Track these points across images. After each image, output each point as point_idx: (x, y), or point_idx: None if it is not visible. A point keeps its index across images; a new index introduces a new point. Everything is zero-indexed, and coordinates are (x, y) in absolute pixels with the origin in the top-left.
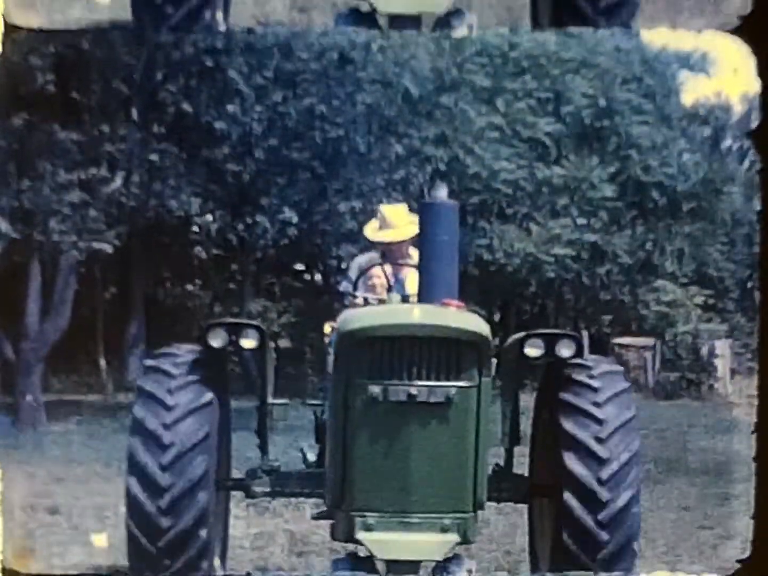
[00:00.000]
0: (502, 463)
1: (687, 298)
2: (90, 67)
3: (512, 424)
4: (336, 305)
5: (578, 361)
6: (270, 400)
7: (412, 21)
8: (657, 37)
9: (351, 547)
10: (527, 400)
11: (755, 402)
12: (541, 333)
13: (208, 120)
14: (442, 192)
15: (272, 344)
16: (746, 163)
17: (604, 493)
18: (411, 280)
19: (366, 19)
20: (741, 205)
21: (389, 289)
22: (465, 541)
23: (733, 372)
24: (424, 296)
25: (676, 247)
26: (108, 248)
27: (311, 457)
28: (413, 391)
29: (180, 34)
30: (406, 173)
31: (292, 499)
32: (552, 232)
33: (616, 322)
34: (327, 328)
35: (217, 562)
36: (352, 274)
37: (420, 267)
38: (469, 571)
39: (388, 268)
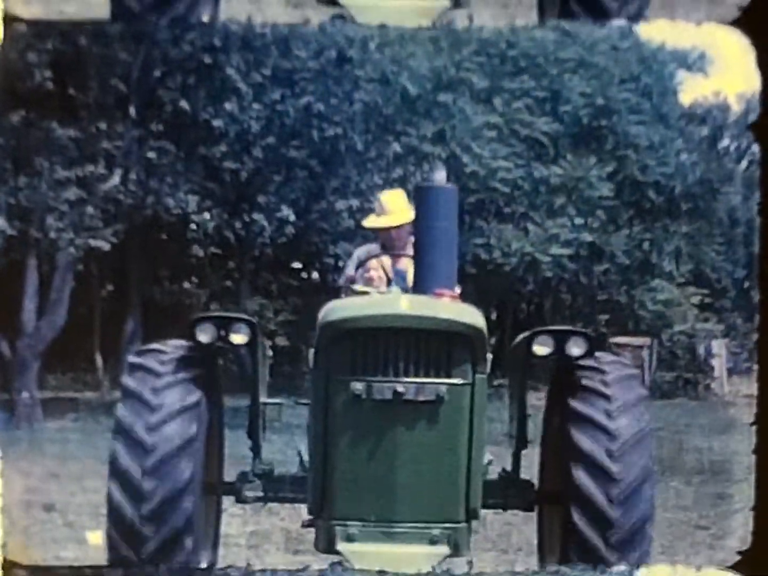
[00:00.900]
0: (507, 467)
1: (684, 298)
2: (88, 64)
3: (519, 427)
4: None
5: (590, 363)
6: (263, 399)
7: None
8: (655, 30)
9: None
10: (541, 399)
11: (753, 399)
12: (550, 330)
13: (205, 118)
14: (440, 175)
15: (268, 342)
16: (744, 163)
17: (613, 513)
18: (410, 269)
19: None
20: (738, 205)
21: (388, 282)
22: (456, 553)
23: (730, 372)
24: (419, 287)
25: (674, 246)
26: (105, 245)
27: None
28: (399, 388)
29: (177, 31)
30: (403, 171)
31: None
32: (549, 232)
33: (612, 321)
34: None
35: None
36: (351, 267)
37: (415, 255)
38: (470, 563)
39: (387, 260)
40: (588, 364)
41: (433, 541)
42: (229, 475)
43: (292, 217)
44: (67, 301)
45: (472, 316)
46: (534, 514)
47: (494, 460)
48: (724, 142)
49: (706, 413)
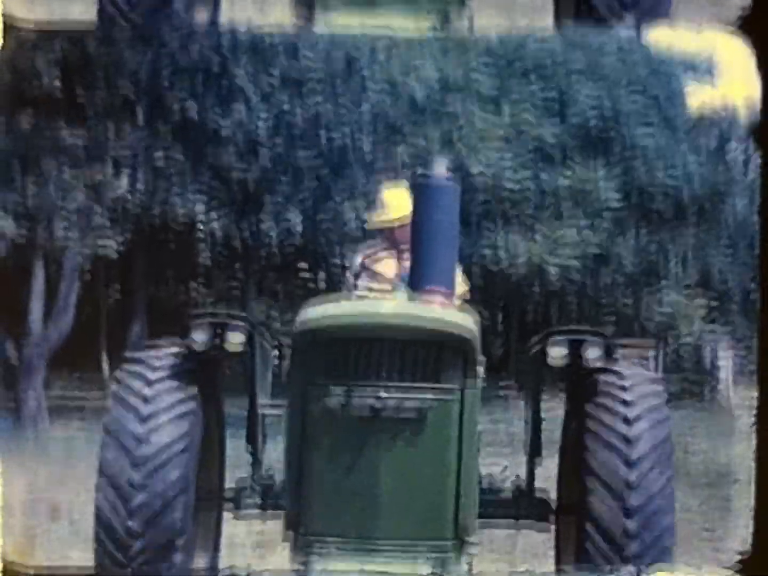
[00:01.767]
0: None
1: (690, 303)
2: (96, 68)
3: (533, 435)
4: None
5: (608, 366)
6: (264, 401)
7: None
8: (663, 37)
9: None
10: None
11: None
12: (564, 330)
13: (213, 122)
14: (440, 167)
15: (273, 341)
16: (751, 170)
17: (631, 526)
18: None
19: None
20: (745, 211)
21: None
22: (444, 571)
23: (736, 376)
24: (415, 285)
25: (680, 252)
26: (112, 249)
27: None
28: (378, 403)
29: (185, 35)
30: (411, 177)
31: None
32: (556, 237)
33: (618, 326)
34: None
35: None
36: (356, 263)
37: (412, 252)
38: (469, 566)
39: (391, 259)
40: (606, 367)
41: (416, 560)
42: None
43: (299, 221)
44: (74, 304)
45: (463, 320)
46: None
47: (508, 466)
48: (732, 148)
49: (711, 417)
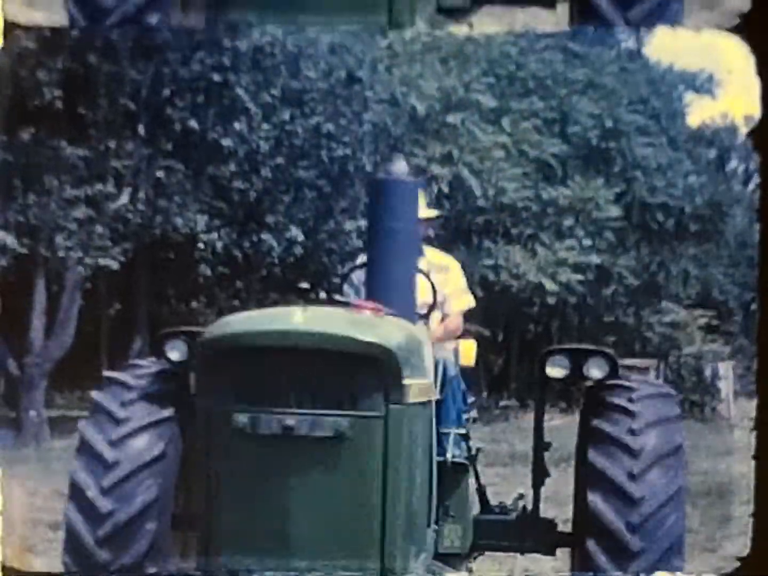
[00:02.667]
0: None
1: (691, 320)
2: (97, 82)
3: (535, 459)
4: None
5: (616, 381)
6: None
7: None
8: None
9: None
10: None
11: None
12: (566, 349)
13: (214, 137)
14: (399, 166)
15: None
16: (751, 185)
17: (634, 542)
18: (422, 283)
19: None
20: (745, 227)
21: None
22: None
23: (736, 394)
24: (371, 297)
25: (681, 268)
26: (113, 264)
27: None
28: (290, 421)
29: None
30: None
31: None
32: (557, 253)
33: (619, 343)
34: None
35: None
36: (354, 277)
37: (368, 260)
38: (469, 570)
39: None
40: (614, 383)
41: None
42: None
43: (301, 237)
44: (75, 319)
45: (387, 334)
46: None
47: (523, 495)
48: (732, 163)
49: (712, 435)
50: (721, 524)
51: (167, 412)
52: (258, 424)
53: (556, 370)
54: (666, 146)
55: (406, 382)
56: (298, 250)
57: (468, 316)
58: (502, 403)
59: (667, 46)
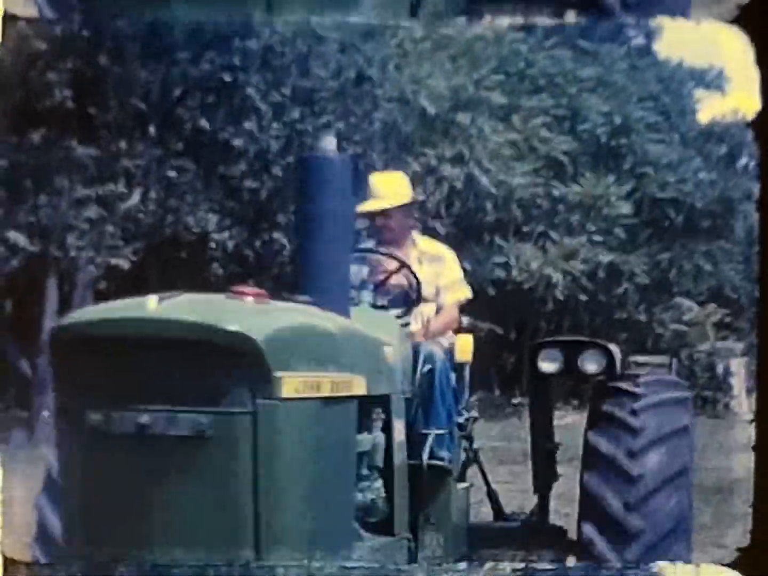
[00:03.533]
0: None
1: (703, 317)
2: (107, 83)
3: (536, 462)
4: None
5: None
6: None
7: None
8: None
9: None
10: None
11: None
12: (559, 341)
13: (225, 137)
14: (328, 143)
15: None
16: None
17: (633, 522)
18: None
19: None
20: (757, 223)
21: (362, 286)
22: None
23: (749, 390)
24: (301, 288)
25: (693, 265)
26: (125, 264)
27: None
28: (144, 419)
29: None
30: (423, 191)
31: None
32: (568, 250)
33: (632, 340)
34: None
35: None
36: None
37: (298, 247)
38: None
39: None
40: (621, 372)
41: None
42: None
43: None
44: None
45: (258, 322)
46: None
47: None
48: (743, 160)
49: (724, 431)
50: (733, 520)
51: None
52: (111, 422)
53: (547, 365)
54: (676, 143)
55: (280, 375)
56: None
57: (480, 313)
58: (515, 400)
59: (677, 42)
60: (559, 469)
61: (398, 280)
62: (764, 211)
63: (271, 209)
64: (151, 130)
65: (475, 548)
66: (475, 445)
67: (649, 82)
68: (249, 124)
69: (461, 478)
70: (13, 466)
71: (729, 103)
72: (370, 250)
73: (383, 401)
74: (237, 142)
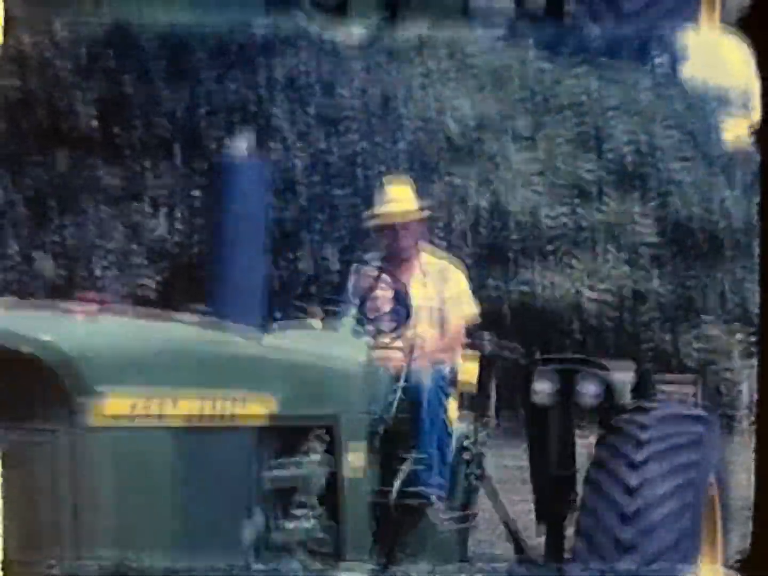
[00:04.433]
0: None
1: (728, 336)
2: (132, 104)
3: (539, 498)
4: None
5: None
6: None
7: None
8: (698, 70)
9: None
10: None
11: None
12: (553, 359)
13: None
14: (241, 143)
15: None
16: None
17: (626, 535)
18: (417, 289)
19: None
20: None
21: (362, 302)
22: None
23: None
24: (211, 304)
25: (718, 286)
26: (150, 284)
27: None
28: None
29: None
30: (447, 214)
31: None
32: (593, 272)
33: (657, 360)
34: None
35: None
36: (350, 289)
37: (209, 260)
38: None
39: (387, 275)
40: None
41: None
42: None
43: (336, 257)
44: None
45: (79, 334)
46: None
47: None
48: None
49: (748, 451)
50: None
51: None
52: None
53: (542, 386)
54: (701, 164)
55: (101, 390)
56: (335, 268)
57: (505, 334)
58: None
59: (702, 64)
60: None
61: (388, 295)
62: (765, 220)
63: (295, 230)
64: (176, 151)
65: None
66: (479, 471)
67: (674, 104)
68: (274, 148)
69: (464, 507)
70: None
71: (754, 125)
72: (365, 262)
73: (326, 424)
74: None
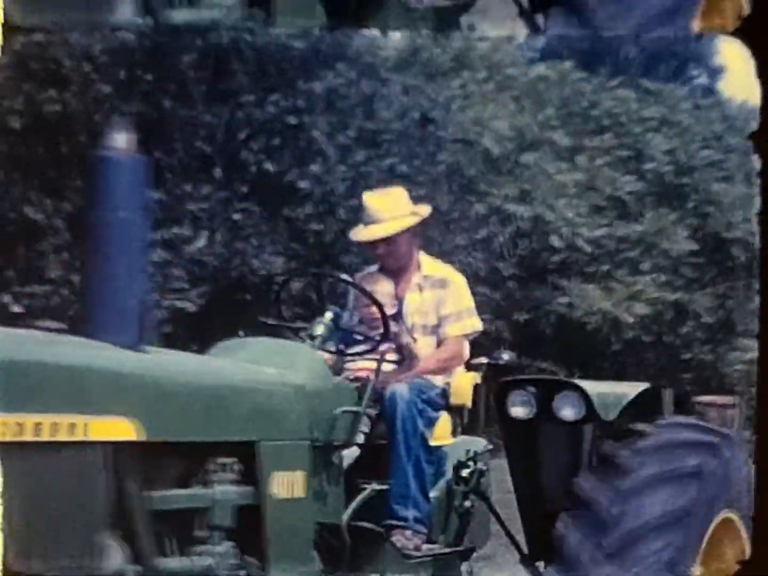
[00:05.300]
0: None
1: None
2: (172, 126)
3: (527, 524)
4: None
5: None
6: None
7: None
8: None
9: None
10: None
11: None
12: (530, 380)
13: (290, 179)
14: (118, 139)
15: None
16: None
17: (602, 570)
18: (413, 301)
19: None
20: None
21: (392, 317)
22: None
23: None
24: (81, 317)
25: (757, 303)
26: (191, 307)
27: None
28: None
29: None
30: (487, 232)
31: None
32: (633, 290)
33: (697, 380)
34: None
35: None
36: (350, 299)
37: (84, 269)
38: (470, 573)
39: (387, 284)
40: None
41: None
42: None
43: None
44: None
45: None
46: None
47: None
48: None
49: None
50: None
51: None
52: None
53: (518, 409)
54: (740, 181)
55: None
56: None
57: (542, 353)
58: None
59: (740, 81)
60: None
61: (371, 311)
62: (765, 224)
63: (335, 251)
64: (217, 173)
65: None
66: (468, 504)
67: (713, 121)
68: (315, 167)
69: (456, 542)
70: None
71: None
72: (343, 280)
73: (239, 449)
74: (302, 185)
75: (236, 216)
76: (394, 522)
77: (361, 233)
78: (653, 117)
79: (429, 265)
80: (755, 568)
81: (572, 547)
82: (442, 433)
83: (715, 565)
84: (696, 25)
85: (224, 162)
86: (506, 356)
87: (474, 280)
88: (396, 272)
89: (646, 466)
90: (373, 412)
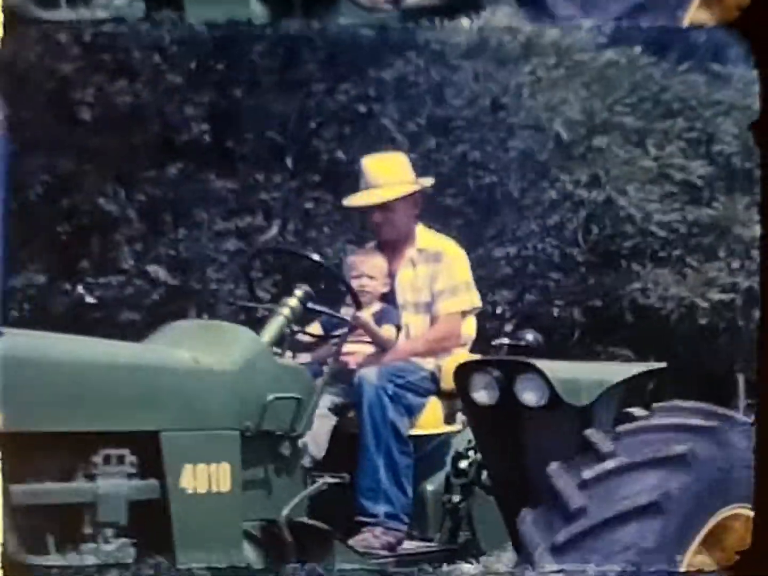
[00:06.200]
0: None
1: None
2: (243, 115)
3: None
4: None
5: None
6: None
7: None
8: None
9: None
10: None
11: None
12: (491, 361)
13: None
14: None
15: None
16: None
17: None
18: (405, 277)
19: None
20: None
21: (383, 297)
22: None
23: None
24: None
25: None
26: (265, 296)
27: None
28: None
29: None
30: (560, 217)
31: None
32: (706, 276)
33: None
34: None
35: None
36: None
37: None
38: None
39: (381, 261)
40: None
41: None
42: None
43: None
44: None
45: None
46: None
47: None
48: None
49: None
50: None
51: None
52: None
53: (480, 394)
54: None
55: None
56: None
57: (615, 339)
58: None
59: None
60: None
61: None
62: (765, 217)
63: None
64: (288, 162)
65: None
66: (456, 499)
67: None
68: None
69: (451, 540)
70: None
71: None
72: (310, 258)
73: (137, 440)
74: None
75: (308, 205)
76: (362, 518)
77: (356, 198)
78: (723, 101)
79: (425, 237)
80: (755, 566)
81: (528, 541)
82: (432, 421)
83: (718, 554)
84: (693, 16)
85: (295, 151)
86: (530, 336)
87: (547, 266)
88: (392, 246)
89: (620, 453)
90: (339, 399)
